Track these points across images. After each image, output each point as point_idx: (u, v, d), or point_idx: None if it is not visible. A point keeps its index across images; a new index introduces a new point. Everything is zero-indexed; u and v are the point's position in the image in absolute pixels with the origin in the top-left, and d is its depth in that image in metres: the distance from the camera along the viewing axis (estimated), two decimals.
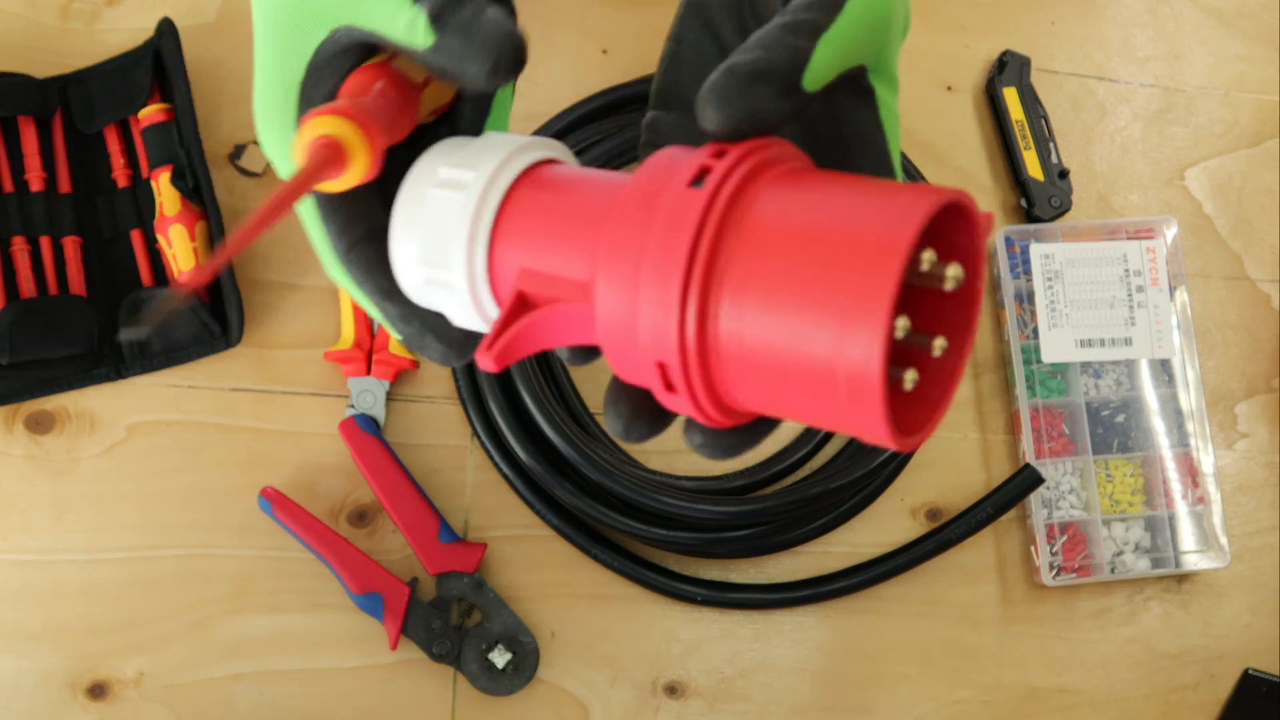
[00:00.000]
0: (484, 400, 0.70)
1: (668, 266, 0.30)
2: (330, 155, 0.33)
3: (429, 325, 0.38)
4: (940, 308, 0.33)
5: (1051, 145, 0.76)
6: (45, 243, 0.69)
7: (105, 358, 0.69)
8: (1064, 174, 0.76)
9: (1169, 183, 0.79)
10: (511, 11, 0.37)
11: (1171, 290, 0.75)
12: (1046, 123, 0.77)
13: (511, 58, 0.35)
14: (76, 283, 0.69)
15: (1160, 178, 0.79)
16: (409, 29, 0.35)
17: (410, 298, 0.37)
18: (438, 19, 0.35)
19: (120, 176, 0.71)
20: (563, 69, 0.76)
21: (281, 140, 0.37)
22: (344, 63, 0.37)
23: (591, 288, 0.32)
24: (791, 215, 0.30)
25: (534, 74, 0.76)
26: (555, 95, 0.75)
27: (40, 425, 0.69)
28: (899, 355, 0.31)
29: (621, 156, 0.72)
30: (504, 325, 0.34)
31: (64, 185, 0.71)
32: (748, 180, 0.31)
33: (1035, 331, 0.73)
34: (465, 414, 0.71)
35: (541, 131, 0.73)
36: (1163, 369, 0.74)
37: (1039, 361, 0.73)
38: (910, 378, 0.31)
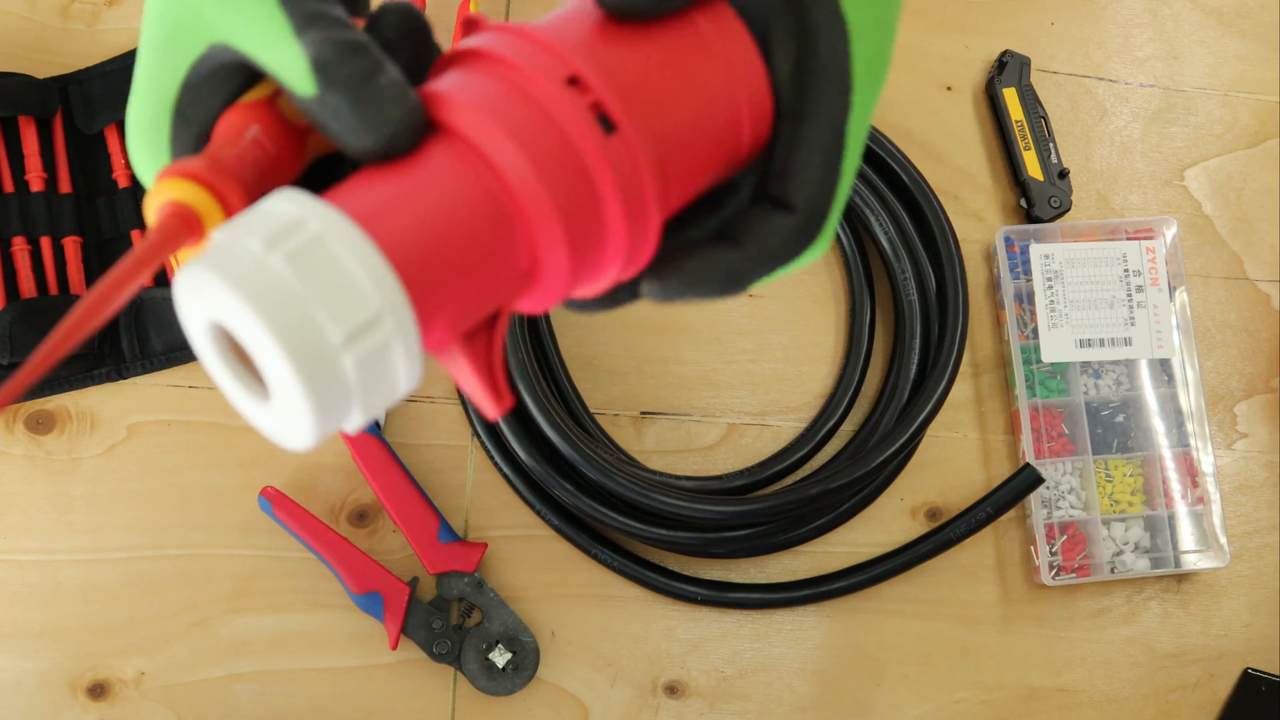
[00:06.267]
0: None
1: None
2: (181, 226, 0.28)
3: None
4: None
5: (1051, 145, 0.76)
6: (46, 243, 0.69)
7: (105, 358, 0.69)
8: (1064, 174, 0.76)
9: (1169, 183, 0.79)
10: (419, 79, 0.32)
11: (1171, 290, 0.75)
12: (1046, 123, 0.77)
13: (409, 135, 0.29)
14: (77, 283, 0.69)
15: (1160, 178, 0.79)
16: (287, 67, 0.29)
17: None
18: (323, 67, 0.29)
19: (121, 177, 0.71)
20: None
21: (153, 162, 0.32)
22: (222, 85, 0.31)
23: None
24: None
25: None
26: None
27: (40, 425, 0.69)
28: None
29: None
30: (487, 374, 0.30)
31: (64, 185, 0.71)
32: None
33: (1035, 331, 0.73)
34: (465, 414, 0.71)
35: None
36: (1162, 369, 0.74)
37: (1039, 361, 0.73)
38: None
